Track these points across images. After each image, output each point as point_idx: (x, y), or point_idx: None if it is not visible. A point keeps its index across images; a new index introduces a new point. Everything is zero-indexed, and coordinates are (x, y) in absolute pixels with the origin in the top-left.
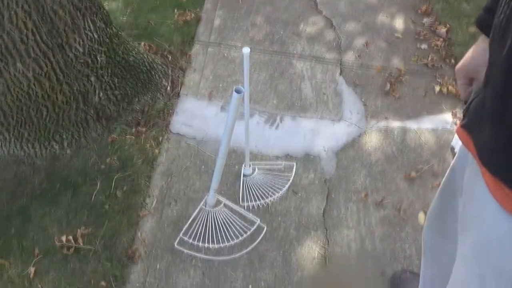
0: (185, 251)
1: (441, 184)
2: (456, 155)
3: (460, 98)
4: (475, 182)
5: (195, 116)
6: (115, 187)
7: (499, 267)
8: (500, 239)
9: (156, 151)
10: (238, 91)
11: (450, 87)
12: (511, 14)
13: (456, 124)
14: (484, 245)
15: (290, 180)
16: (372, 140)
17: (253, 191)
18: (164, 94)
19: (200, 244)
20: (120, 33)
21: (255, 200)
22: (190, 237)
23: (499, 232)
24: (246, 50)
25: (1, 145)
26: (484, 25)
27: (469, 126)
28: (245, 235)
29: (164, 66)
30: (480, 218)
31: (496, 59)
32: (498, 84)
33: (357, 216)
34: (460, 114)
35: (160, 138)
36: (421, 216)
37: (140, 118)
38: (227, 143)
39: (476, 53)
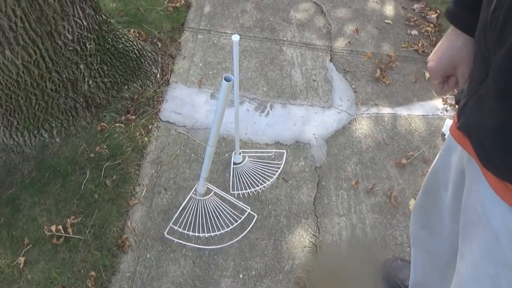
0: (176, 240)
1: (424, 181)
2: (439, 153)
3: (436, 94)
4: (477, 183)
5: (185, 103)
6: (104, 176)
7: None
8: (510, 236)
9: (146, 139)
10: (227, 79)
11: None
12: (509, 11)
13: (447, 110)
14: (495, 244)
15: (281, 168)
16: (363, 127)
17: (244, 179)
18: (153, 81)
19: (191, 233)
20: (109, 20)
21: (246, 188)
22: (180, 226)
23: (509, 229)
24: (235, 37)
25: None
26: (457, 19)
27: (466, 127)
28: (235, 224)
29: (154, 53)
30: (486, 218)
31: (492, 56)
32: (499, 82)
33: (347, 204)
34: (450, 100)
35: (150, 126)
36: (412, 203)
37: (129, 106)
38: (217, 131)
39: (452, 51)
